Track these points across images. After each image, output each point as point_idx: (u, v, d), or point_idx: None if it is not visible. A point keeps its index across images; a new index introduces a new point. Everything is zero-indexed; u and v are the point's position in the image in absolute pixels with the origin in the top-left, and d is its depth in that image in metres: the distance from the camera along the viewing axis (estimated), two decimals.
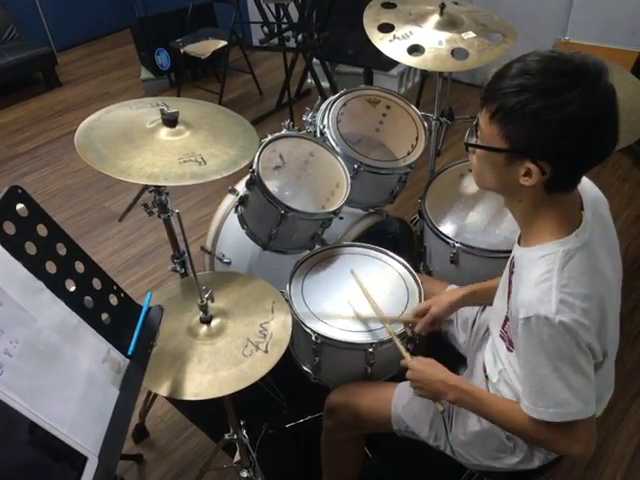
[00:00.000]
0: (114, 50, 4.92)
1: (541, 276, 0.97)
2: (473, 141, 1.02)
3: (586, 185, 1.09)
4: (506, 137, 0.94)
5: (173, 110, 1.34)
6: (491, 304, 1.29)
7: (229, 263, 1.90)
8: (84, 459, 0.85)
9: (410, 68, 3.74)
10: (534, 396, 1.02)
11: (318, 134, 1.75)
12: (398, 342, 1.32)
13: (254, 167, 1.52)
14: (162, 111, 1.33)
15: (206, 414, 1.92)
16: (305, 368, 1.50)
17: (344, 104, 1.83)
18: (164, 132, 1.34)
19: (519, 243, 1.12)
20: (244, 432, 1.46)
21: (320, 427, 1.53)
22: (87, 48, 4.99)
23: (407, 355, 1.28)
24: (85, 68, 4.66)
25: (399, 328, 1.40)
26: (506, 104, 0.91)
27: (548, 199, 0.99)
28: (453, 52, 1.71)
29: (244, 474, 1.52)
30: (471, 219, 1.77)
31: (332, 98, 1.81)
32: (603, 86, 0.89)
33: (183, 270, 1.66)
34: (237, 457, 1.53)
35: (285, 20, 3.39)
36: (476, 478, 1.51)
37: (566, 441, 1.03)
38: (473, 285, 1.39)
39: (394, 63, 3.64)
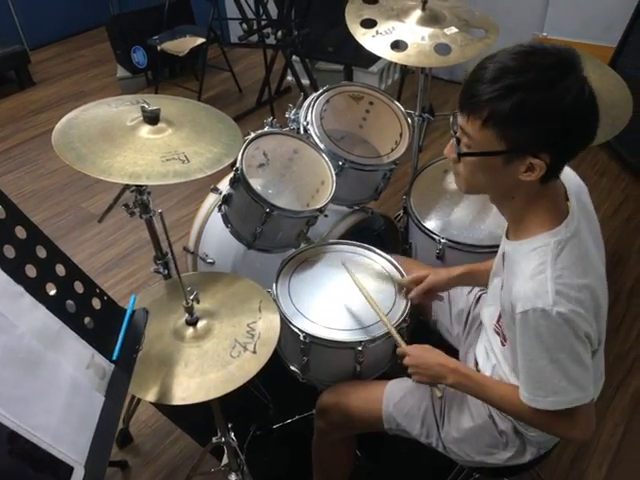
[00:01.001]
0: (89, 48, 4.82)
1: (535, 269, 0.97)
2: (460, 150, 1.00)
3: (568, 174, 1.09)
4: (505, 139, 0.93)
5: (154, 107, 1.31)
6: (487, 285, 1.29)
7: (213, 263, 1.87)
8: (70, 469, 0.82)
9: (390, 65, 3.73)
10: (532, 386, 1.02)
11: (302, 131, 1.73)
12: (394, 331, 1.31)
13: (238, 165, 1.49)
14: (143, 108, 1.30)
15: (191, 417, 1.89)
16: (293, 368, 1.48)
17: (327, 100, 1.81)
18: (145, 130, 1.31)
19: (508, 237, 1.11)
20: (232, 435, 1.44)
21: (308, 427, 1.52)
22: (61, 46, 4.88)
23: (403, 343, 1.28)
24: (59, 67, 4.56)
25: (392, 321, 1.39)
26: (499, 109, 0.90)
27: (541, 190, 1.00)
28: (436, 47, 1.70)
29: (232, 477, 1.50)
30: (456, 215, 1.77)
31: (315, 94, 1.79)
32: (582, 71, 0.90)
33: (166, 271, 1.63)
34: (225, 460, 1.51)
35: (264, 17, 3.35)
36: (465, 474, 1.51)
37: (566, 426, 1.04)
38: (471, 265, 1.39)
39: (374, 60, 3.63)
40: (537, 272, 0.97)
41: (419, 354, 1.22)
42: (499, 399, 1.12)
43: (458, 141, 1.00)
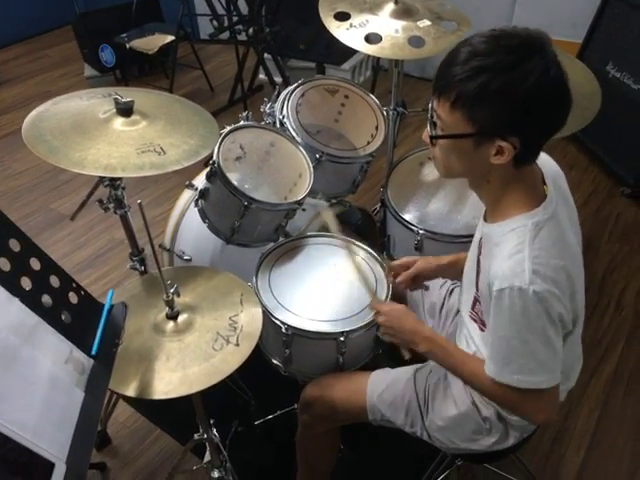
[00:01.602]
0: (55, 48, 4.72)
1: (513, 248, 0.98)
2: (434, 133, 1.02)
3: (544, 159, 1.11)
4: (472, 121, 0.94)
5: (128, 99, 1.28)
6: None
7: (190, 260, 1.84)
8: (51, 465, 0.79)
9: (362, 62, 3.75)
10: (500, 363, 1.04)
11: (278, 125, 1.72)
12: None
13: (214, 158, 1.47)
14: (116, 100, 1.28)
15: (171, 417, 1.86)
16: (275, 362, 1.47)
17: (302, 94, 1.80)
18: (119, 122, 1.28)
19: (485, 220, 1.12)
20: (214, 431, 1.41)
21: (289, 422, 1.50)
22: (25, 46, 4.76)
23: (375, 297, 1.29)
24: (24, 67, 4.45)
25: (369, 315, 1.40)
26: (465, 89, 0.91)
27: (516, 174, 1.01)
28: (410, 40, 1.71)
29: (215, 474, 1.48)
30: (433, 206, 1.79)
31: (290, 88, 1.79)
32: (551, 52, 0.91)
33: (142, 268, 1.60)
34: (207, 457, 1.49)
35: (235, 13, 3.33)
36: (448, 462, 1.52)
37: (531, 408, 1.05)
38: (457, 254, 1.39)
39: (346, 57, 3.64)
40: (515, 252, 0.98)
41: (395, 315, 1.23)
42: (469, 374, 1.13)
43: (434, 125, 1.01)
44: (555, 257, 0.98)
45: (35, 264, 0.95)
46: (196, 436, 1.41)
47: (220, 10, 3.34)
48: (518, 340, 0.99)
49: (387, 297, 1.41)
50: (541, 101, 0.91)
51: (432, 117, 1.01)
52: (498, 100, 0.91)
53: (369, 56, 3.81)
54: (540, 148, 1.00)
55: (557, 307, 0.97)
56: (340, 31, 1.74)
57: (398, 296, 1.48)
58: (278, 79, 3.51)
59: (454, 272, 1.43)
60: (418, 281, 1.42)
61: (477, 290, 1.13)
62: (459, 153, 1.01)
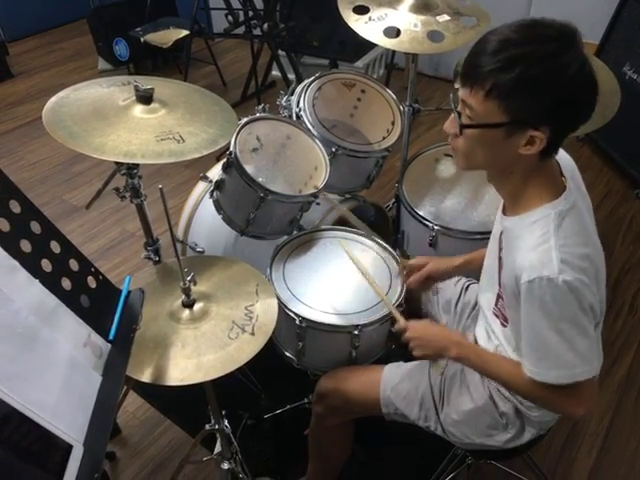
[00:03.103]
0: (69, 41, 4.75)
1: (538, 239, 0.97)
2: (461, 122, 0.99)
3: (560, 152, 1.09)
4: (507, 111, 0.92)
5: (148, 87, 1.28)
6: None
7: (202, 252, 1.84)
8: (69, 447, 0.79)
9: (375, 60, 3.74)
10: (536, 358, 1.02)
11: (294, 118, 1.72)
12: (392, 307, 1.32)
13: (231, 149, 1.47)
14: (136, 87, 1.27)
15: (180, 408, 1.86)
16: (288, 354, 1.46)
17: (319, 88, 1.80)
18: (138, 110, 1.28)
19: (505, 214, 1.11)
20: (226, 422, 1.41)
21: (299, 416, 1.50)
22: (40, 39, 4.79)
23: (402, 318, 1.28)
24: (38, 59, 4.47)
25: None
26: (502, 79, 0.90)
27: (538, 166, 1.00)
28: (429, 34, 1.70)
29: (225, 466, 1.47)
30: (448, 202, 1.78)
31: (307, 81, 1.78)
32: (582, 45, 0.91)
33: (157, 258, 1.60)
34: (218, 448, 1.48)
35: (250, 8, 3.33)
36: (458, 460, 1.51)
37: (570, 402, 1.03)
38: (469, 254, 1.39)
39: (359, 54, 3.63)
40: (541, 242, 0.96)
41: (421, 327, 1.22)
42: (505, 374, 1.10)
43: (459, 115, 1.00)
44: (581, 245, 0.97)
45: (55, 247, 0.95)
46: (207, 426, 1.40)
47: (235, 4, 3.34)
48: (552, 331, 0.96)
49: (401, 294, 1.40)
50: (578, 92, 0.90)
51: (457, 107, 1.00)
52: (536, 90, 0.90)
53: (382, 54, 3.80)
54: (564, 139, 0.99)
55: (588, 296, 0.95)
56: (359, 24, 1.73)
57: (411, 294, 1.48)
58: (291, 76, 3.51)
59: (466, 272, 1.44)
60: (429, 282, 1.42)
61: (500, 286, 1.11)
62: (486, 143, 0.99)
